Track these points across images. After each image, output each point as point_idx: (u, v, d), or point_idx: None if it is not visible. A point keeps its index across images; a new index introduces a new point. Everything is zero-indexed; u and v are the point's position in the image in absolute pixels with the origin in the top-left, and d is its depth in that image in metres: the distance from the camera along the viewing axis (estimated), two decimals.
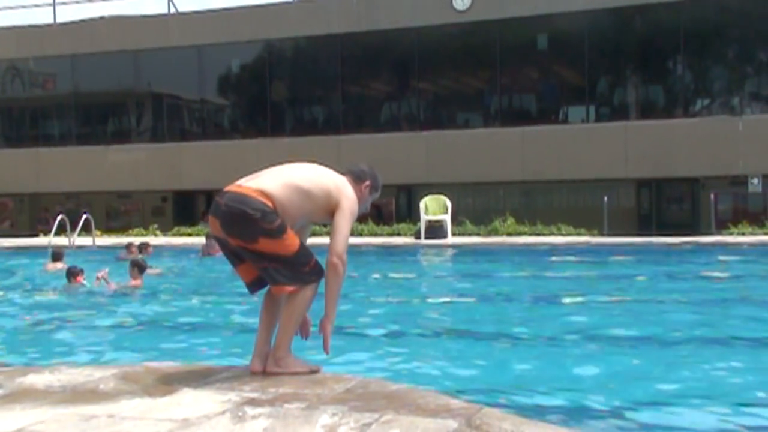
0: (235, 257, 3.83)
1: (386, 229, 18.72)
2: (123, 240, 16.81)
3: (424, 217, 17.15)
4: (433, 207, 17.44)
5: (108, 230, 21.05)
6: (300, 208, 3.71)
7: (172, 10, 23.28)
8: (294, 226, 3.74)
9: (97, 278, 9.41)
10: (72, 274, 9.53)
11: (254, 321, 6.50)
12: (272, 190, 3.67)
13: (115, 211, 24.60)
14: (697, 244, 15.13)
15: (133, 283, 9.52)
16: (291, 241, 3.65)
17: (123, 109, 24.73)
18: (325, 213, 3.78)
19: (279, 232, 3.61)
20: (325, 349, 3.76)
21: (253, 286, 3.90)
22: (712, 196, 18.00)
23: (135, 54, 23.06)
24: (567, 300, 8.37)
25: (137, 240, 15.32)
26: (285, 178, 3.74)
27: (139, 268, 9.65)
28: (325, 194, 3.74)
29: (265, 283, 3.81)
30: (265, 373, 3.76)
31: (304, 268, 3.67)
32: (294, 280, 3.67)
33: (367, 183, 3.95)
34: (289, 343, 3.77)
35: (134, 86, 23.89)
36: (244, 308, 8.00)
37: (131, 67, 23.38)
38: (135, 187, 23.12)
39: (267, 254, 3.63)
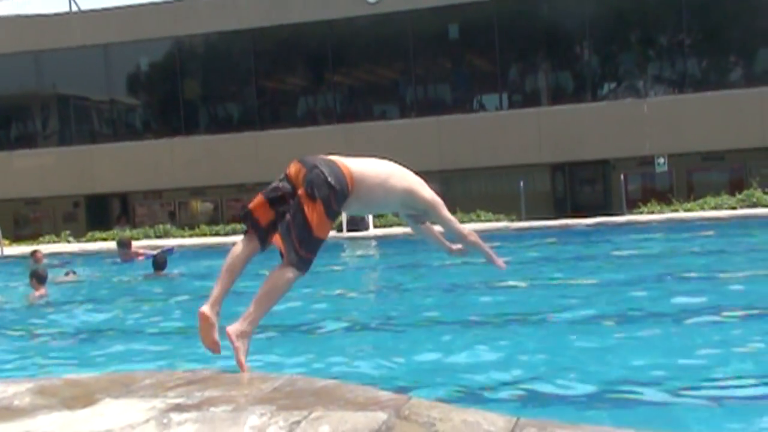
0: (275, 220, 3.93)
1: None
2: (34, 247, 16.15)
3: None
4: None
5: (17, 239, 20.24)
6: (377, 197, 4.01)
7: (74, 8, 22.48)
8: (350, 209, 4.10)
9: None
10: None
11: (174, 326, 6.34)
12: (358, 174, 3.93)
13: (24, 219, 23.69)
14: (610, 224, 15.65)
15: (37, 294, 9.11)
16: (327, 228, 3.94)
17: (27, 112, 23.78)
18: (395, 199, 4.08)
19: (332, 214, 3.90)
20: (495, 260, 4.20)
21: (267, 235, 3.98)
22: (622, 176, 18.64)
23: (36, 55, 22.20)
24: (495, 285, 8.51)
25: (40, 248, 14.67)
26: (369, 168, 4.02)
27: (38, 278, 9.21)
28: (402, 188, 4.04)
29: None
30: (223, 332, 3.81)
31: (308, 255, 3.90)
32: (297, 252, 3.86)
33: None
34: (258, 321, 3.87)
35: (38, 88, 22.99)
36: (163, 314, 7.83)
37: (33, 68, 22.50)
38: (44, 193, 22.29)
39: (304, 216, 3.83)
